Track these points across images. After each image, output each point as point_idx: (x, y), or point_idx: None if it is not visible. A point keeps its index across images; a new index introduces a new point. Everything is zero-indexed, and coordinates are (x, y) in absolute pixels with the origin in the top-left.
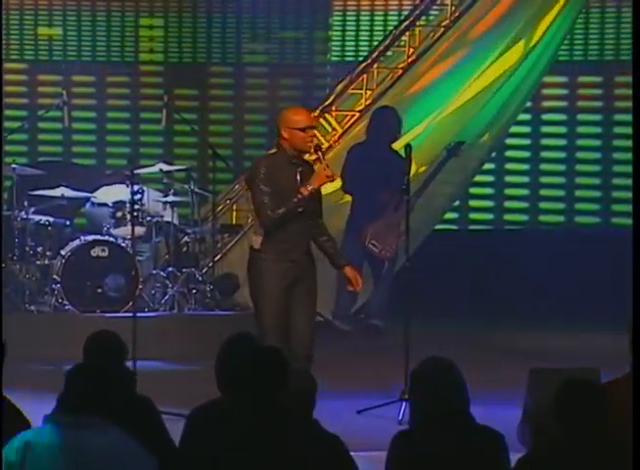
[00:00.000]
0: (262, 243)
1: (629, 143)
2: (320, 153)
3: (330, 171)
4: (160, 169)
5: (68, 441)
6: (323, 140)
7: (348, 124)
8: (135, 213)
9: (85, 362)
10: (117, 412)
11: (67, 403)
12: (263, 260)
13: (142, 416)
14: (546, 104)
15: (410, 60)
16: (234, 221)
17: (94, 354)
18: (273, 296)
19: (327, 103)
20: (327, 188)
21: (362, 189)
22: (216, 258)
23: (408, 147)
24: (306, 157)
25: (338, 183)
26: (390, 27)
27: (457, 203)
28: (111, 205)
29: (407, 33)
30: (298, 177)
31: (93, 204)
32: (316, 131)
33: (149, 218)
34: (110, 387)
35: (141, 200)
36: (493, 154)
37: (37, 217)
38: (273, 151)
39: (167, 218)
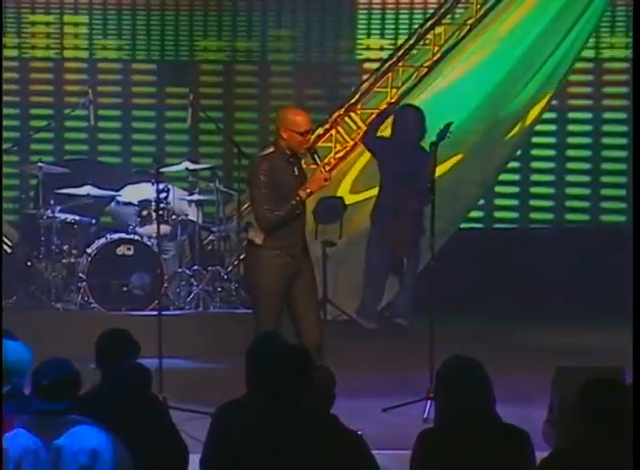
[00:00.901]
0: (264, 239)
1: None
2: (317, 156)
3: (327, 174)
4: (186, 168)
5: (40, 441)
6: (348, 138)
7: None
8: (160, 212)
9: (52, 359)
10: (127, 410)
11: (35, 403)
12: (264, 256)
13: (152, 415)
14: (572, 102)
15: (435, 58)
16: None
17: (105, 353)
18: (270, 291)
19: (352, 101)
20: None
21: (389, 189)
22: (241, 257)
23: (433, 145)
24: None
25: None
26: (416, 26)
27: (482, 201)
28: (136, 203)
29: (432, 32)
30: (297, 174)
31: (118, 202)
32: (311, 135)
33: (174, 217)
34: (79, 382)
35: (166, 198)
36: (518, 152)
37: (63, 216)
38: (270, 150)
39: (193, 217)
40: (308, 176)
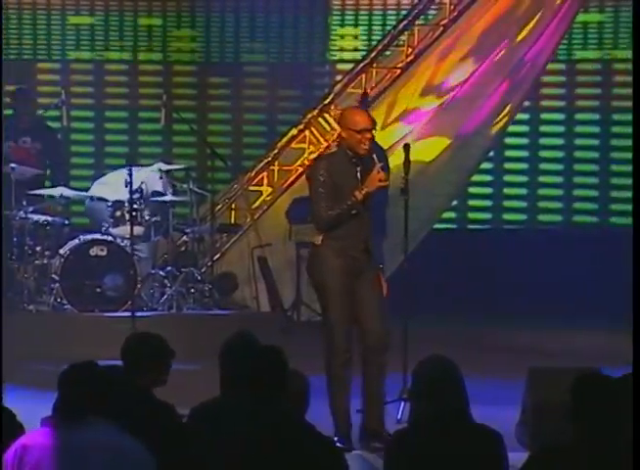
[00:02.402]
0: (323, 239)
1: (628, 142)
2: (374, 156)
3: (383, 175)
4: (159, 169)
5: (63, 441)
6: (322, 139)
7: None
8: (134, 213)
9: (76, 364)
10: (134, 414)
11: (60, 405)
12: (324, 256)
13: (161, 422)
14: (544, 103)
15: (409, 59)
16: (232, 221)
17: (133, 357)
18: (336, 290)
19: (326, 102)
20: None
21: None
22: (215, 258)
23: (407, 146)
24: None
25: None
26: (389, 27)
27: (455, 202)
28: (110, 204)
29: (406, 33)
30: (359, 176)
31: (92, 198)
32: (372, 134)
33: (147, 218)
34: (97, 388)
35: (140, 199)
36: (491, 153)
37: (36, 217)
38: (334, 150)
39: (166, 218)
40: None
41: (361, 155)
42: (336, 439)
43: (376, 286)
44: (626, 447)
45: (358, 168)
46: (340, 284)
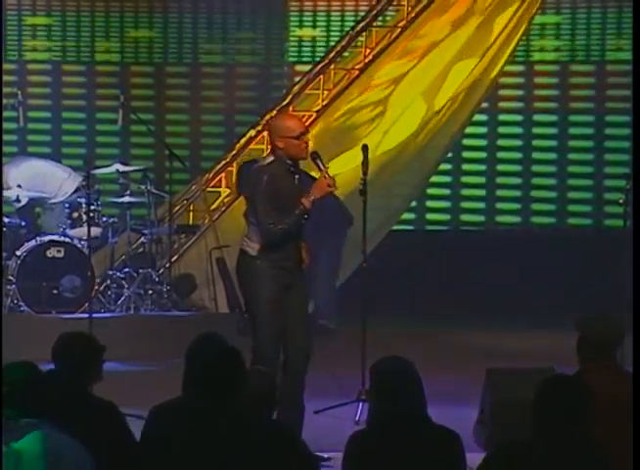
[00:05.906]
0: (259, 250)
1: (586, 144)
2: (319, 161)
3: (331, 180)
4: (117, 170)
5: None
6: None
7: (306, 125)
8: (91, 214)
9: (7, 365)
10: (76, 414)
11: None
12: (259, 267)
13: (104, 420)
14: (502, 105)
15: (367, 60)
16: (190, 222)
17: (64, 356)
18: (271, 300)
19: (284, 103)
20: None
21: None
22: (173, 259)
23: (365, 147)
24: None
25: None
26: (347, 28)
27: (414, 203)
28: (67, 205)
29: (364, 34)
30: (297, 183)
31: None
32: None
33: (105, 219)
34: (32, 385)
35: (97, 200)
36: (450, 154)
37: None
38: (270, 160)
39: (124, 219)
40: (314, 181)
41: (303, 159)
42: None
43: (303, 299)
44: (582, 447)
45: (297, 177)
46: (269, 296)
